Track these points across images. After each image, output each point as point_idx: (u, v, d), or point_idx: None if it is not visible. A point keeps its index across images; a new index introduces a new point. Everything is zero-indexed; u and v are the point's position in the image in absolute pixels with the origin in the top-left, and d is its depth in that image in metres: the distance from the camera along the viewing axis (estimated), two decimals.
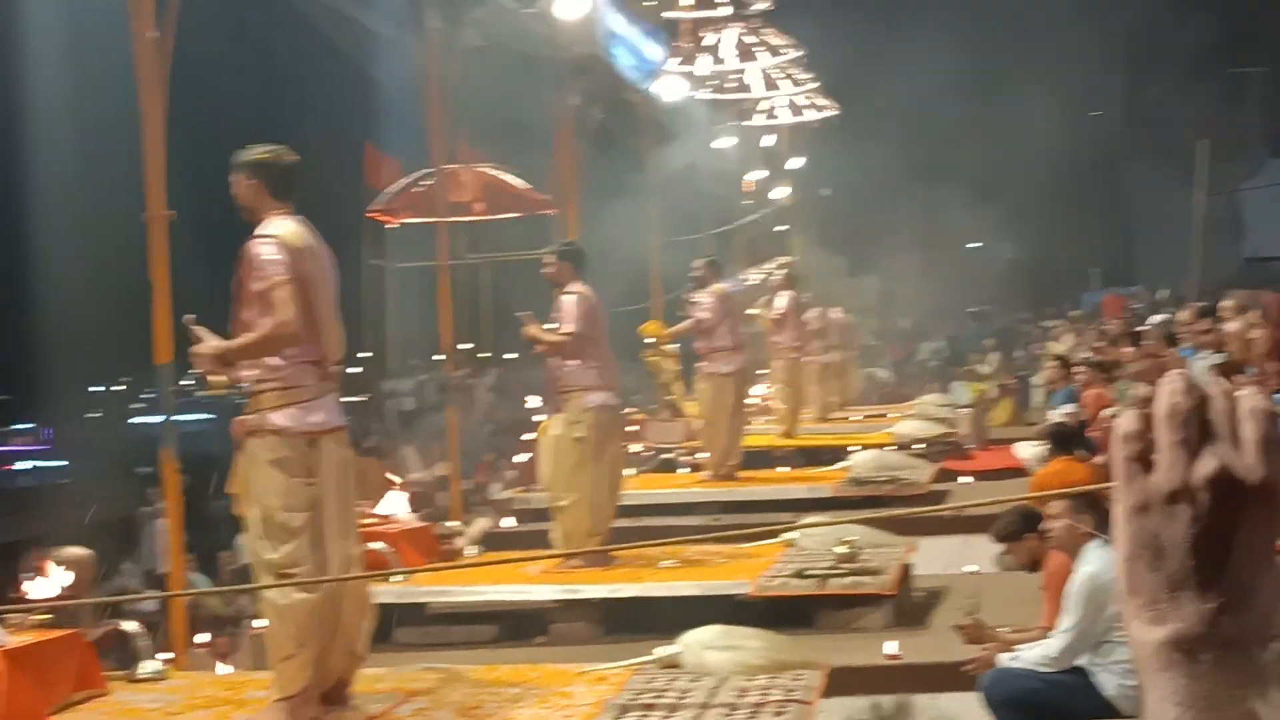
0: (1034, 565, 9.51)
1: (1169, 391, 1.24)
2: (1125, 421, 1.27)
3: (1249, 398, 1.24)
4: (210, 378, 7.51)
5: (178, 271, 9.85)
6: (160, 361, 9.78)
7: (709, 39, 23.65)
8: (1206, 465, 1.21)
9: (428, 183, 22.39)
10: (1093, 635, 7.98)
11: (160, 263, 9.76)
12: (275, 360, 7.45)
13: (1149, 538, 1.23)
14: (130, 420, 37.07)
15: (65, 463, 33.51)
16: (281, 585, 7.36)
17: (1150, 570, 1.23)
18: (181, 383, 11.45)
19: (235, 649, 9.79)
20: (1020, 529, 9.84)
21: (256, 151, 7.72)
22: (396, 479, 15.10)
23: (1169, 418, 1.23)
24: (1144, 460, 1.24)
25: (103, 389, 42.04)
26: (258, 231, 7.54)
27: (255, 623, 9.02)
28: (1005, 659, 8.26)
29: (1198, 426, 1.23)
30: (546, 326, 11.62)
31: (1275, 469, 1.22)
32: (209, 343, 7.45)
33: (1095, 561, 8.05)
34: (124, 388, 42.12)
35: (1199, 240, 24.19)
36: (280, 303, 7.35)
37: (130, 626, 9.27)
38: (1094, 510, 8.25)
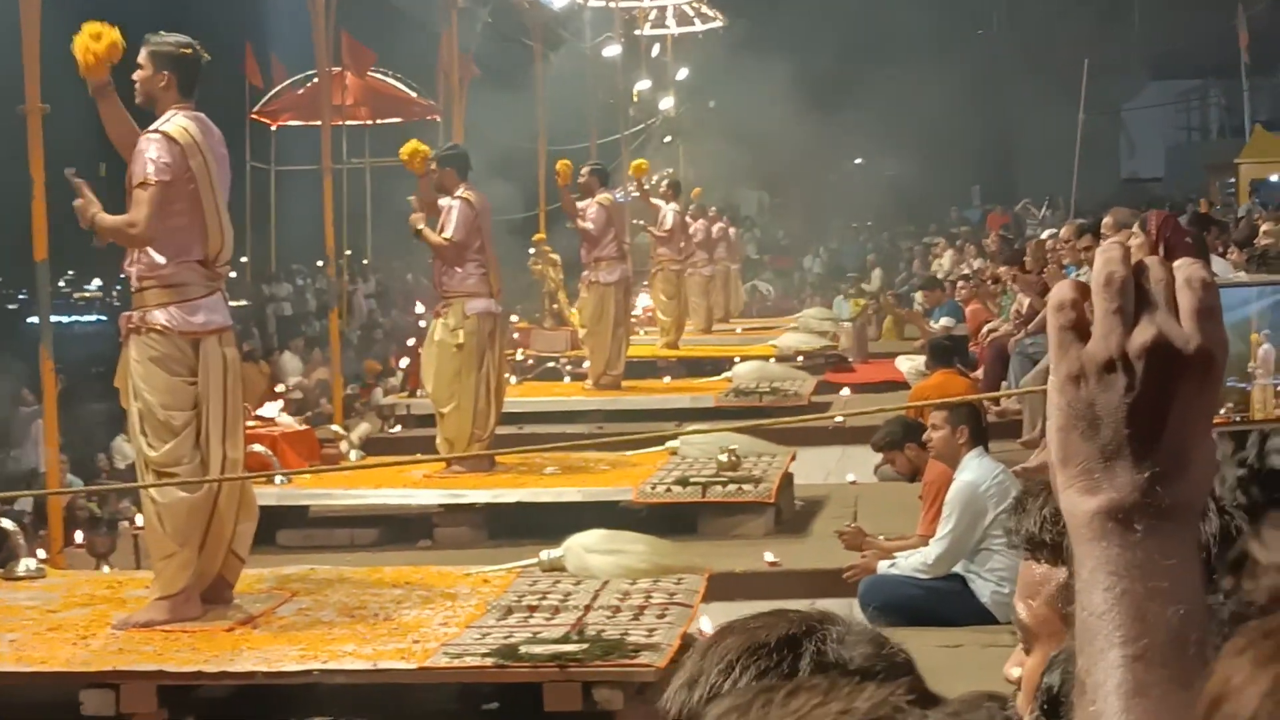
0: (914, 474, 9.66)
1: (1105, 260, 1.23)
2: (1061, 290, 1.25)
3: (1186, 266, 1.23)
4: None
5: (58, 167, 9.66)
6: (39, 259, 9.61)
7: None
8: (1144, 334, 1.21)
9: (311, 85, 22.15)
10: (970, 542, 8.11)
11: (36, 157, 9.56)
12: (160, 258, 7.38)
13: (1084, 407, 1.22)
14: (29, 320, 36.31)
15: None
16: (162, 485, 7.32)
17: (1084, 440, 1.22)
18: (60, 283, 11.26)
19: (113, 549, 9.70)
20: (900, 439, 9.98)
21: (173, 42, 7.53)
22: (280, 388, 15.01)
23: (1105, 286, 1.22)
24: (1079, 329, 1.23)
25: None
26: (153, 126, 7.44)
27: (137, 520, 8.94)
28: (884, 566, 8.39)
29: (1134, 295, 1.22)
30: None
31: (1211, 338, 1.21)
32: (90, 202, 7.40)
33: (974, 470, 8.17)
34: None
35: (1079, 159, 24.42)
36: (137, 202, 7.31)
37: (7, 524, 9.16)
38: (972, 421, 8.37)
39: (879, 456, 12.44)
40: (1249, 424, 1.35)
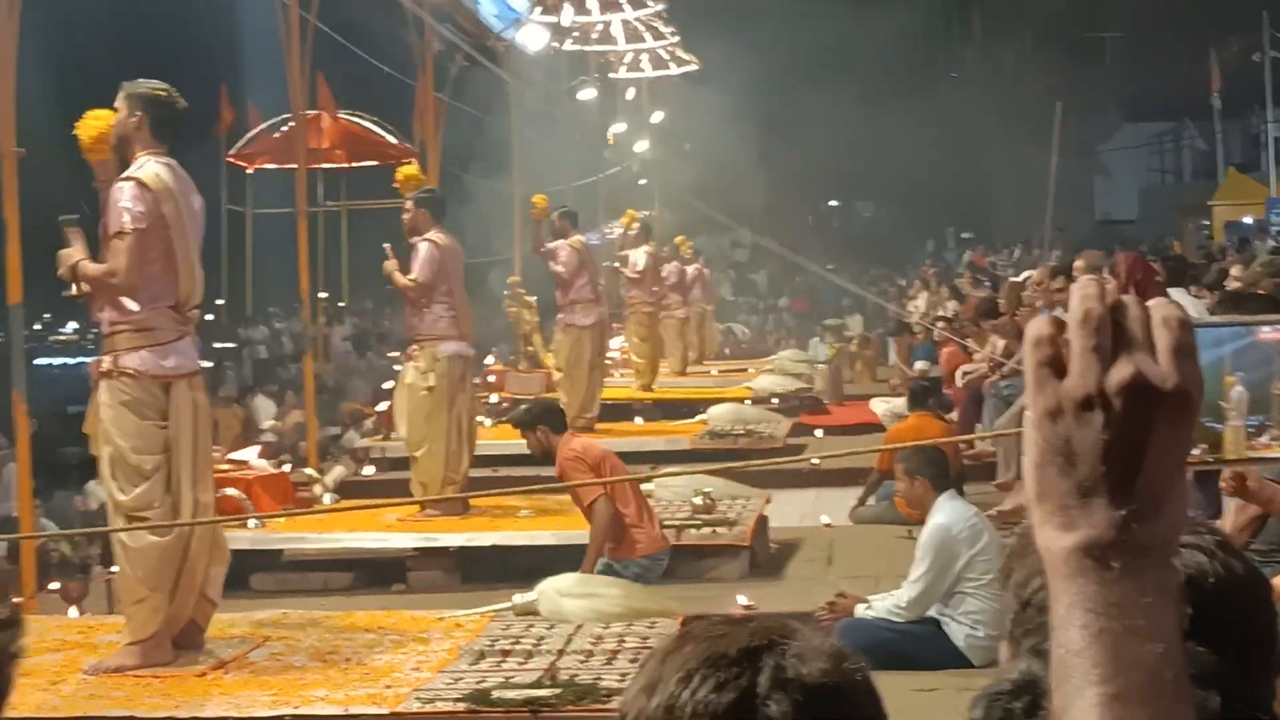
0: (546, 454, 10.10)
1: (1082, 297, 1.23)
2: (1037, 326, 1.25)
3: (1162, 306, 1.24)
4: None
5: (33, 210, 9.63)
6: (12, 302, 9.57)
7: None
8: (1122, 371, 1.21)
9: (288, 129, 22.14)
10: (943, 586, 8.10)
11: (10, 200, 9.53)
12: (133, 305, 7.38)
13: (1060, 443, 1.22)
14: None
15: None
16: (133, 529, 7.29)
17: (1061, 476, 1.22)
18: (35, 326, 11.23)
19: (86, 594, 9.65)
20: (535, 419, 10.35)
21: (149, 86, 7.56)
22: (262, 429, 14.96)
23: (1083, 323, 1.22)
24: (1056, 366, 1.23)
25: None
26: (125, 173, 7.44)
27: (111, 568, 8.90)
28: (860, 609, 8.37)
29: (1111, 333, 1.22)
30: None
31: (1188, 376, 1.21)
32: (75, 250, 7.42)
33: (946, 513, 8.17)
34: None
35: (1052, 202, 24.54)
36: (115, 252, 7.31)
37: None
38: (930, 468, 8.35)
39: (854, 499, 12.49)
40: (1221, 463, 1.36)
